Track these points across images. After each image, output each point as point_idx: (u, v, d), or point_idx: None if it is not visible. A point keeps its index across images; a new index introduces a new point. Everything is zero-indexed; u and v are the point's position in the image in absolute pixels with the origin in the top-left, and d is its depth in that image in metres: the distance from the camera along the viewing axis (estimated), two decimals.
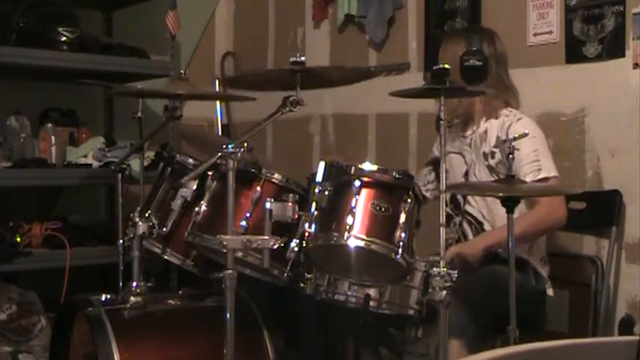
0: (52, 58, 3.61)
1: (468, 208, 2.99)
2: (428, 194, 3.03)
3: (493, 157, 2.92)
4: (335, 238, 2.41)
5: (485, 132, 2.96)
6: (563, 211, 2.83)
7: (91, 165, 3.71)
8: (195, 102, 4.19)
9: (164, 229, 2.77)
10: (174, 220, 2.77)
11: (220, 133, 4.65)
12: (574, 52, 3.22)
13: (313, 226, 2.43)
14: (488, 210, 2.94)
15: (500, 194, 2.46)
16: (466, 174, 3.01)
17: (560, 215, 2.83)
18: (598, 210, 3.09)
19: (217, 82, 4.65)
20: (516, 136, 2.50)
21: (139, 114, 3.12)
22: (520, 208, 2.79)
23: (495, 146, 2.91)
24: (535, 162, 2.82)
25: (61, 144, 3.68)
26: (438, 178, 3.09)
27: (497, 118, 2.95)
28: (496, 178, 2.86)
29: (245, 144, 2.35)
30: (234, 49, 4.90)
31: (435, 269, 2.30)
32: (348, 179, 2.45)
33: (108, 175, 3.32)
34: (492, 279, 2.72)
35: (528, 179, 2.77)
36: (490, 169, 2.92)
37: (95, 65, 3.74)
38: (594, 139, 3.17)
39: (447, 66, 2.41)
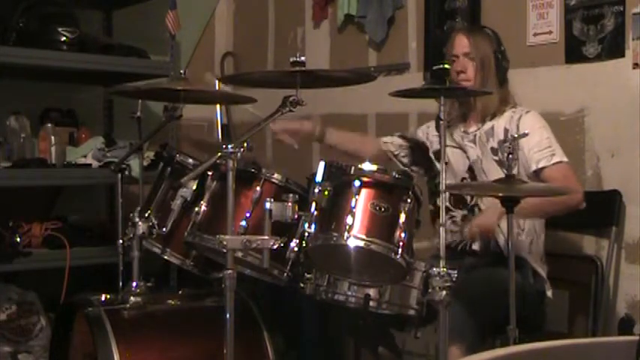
0: (52, 58, 3.61)
1: (479, 203, 2.99)
2: (405, 160, 3.18)
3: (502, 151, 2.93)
4: (335, 238, 2.41)
5: (492, 128, 2.97)
6: (580, 193, 2.84)
7: (90, 165, 3.71)
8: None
9: (164, 229, 2.77)
10: (174, 220, 2.77)
11: (220, 133, 4.64)
12: (574, 52, 3.22)
13: (313, 226, 2.43)
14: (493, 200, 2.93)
15: (501, 194, 2.47)
16: (470, 169, 3.01)
17: (577, 196, 2.83)
18: (598, 210, 3.09)
19: (217, 82, 4.65)
20: (516, 136, 2.50)
21: (139, 114, 3.12)
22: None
23: (504, 140, 2.92)
24: (548, 148, 2.87)
25: (60, 144, 3.68)
26: (410, 148, 3.24)
27: (502, 114, 2.96)
28: (505, 171, 2.86)
29: (245, 144, 2.35)
30: (234, 49, 4.90)
31: (434, 269, 2.30)
32: (347, 179, 2.45)
33: (108, 175, 3.32)
34: (492, 280, 2.72)
35: (541, 165, 2.83)
36: (499, 163, 2.92)
37: (95, 65, 3.74)
38: (594, 139, 3.17)
39: (446, 66, 2.43)
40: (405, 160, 3.27)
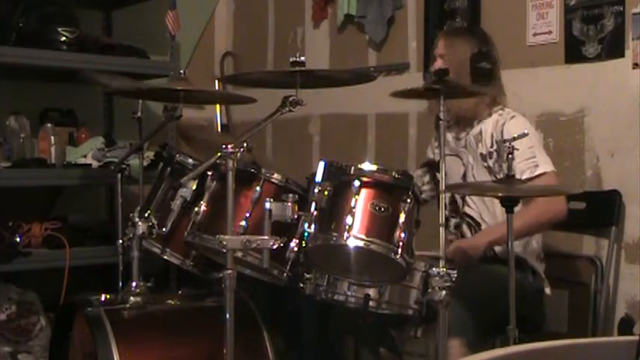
0: (52, 58, 3.61)
1: (466, 209, 2.99)
2: (423, 195, 3.01)
3: (491, 158, 2.92)
4: (334, 238, 2.41)
5: (480, 133, 2.96)
6: (562, 204, 2.82)
7: (90, 165, 3.71)
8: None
9: (164, 229, 2.77)
10: (173, 220, 2.77)
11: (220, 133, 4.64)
12: (573, 52, 3.22)
13: (313, 226, 2.43)
14: (487, 211, 2.93)
15: (500, 194, 2.47)
16: (464, 176, 3.00)
17: (559, 208, 2.82)
18: (598, 210, 3.09)
19: (217, 82, 4.65)
20: (515, 136, 2.50)
21: (139, 114, 3.12)
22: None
23: (491, 146, 2.91)
24: (531, 159, 2.82)
25: (60, 144, 3.68)
26: (433, 179, 3.09)
27: (489, 116, 2.95)
28: (494, 178, 2.86)
29: (245, 144, 2.35)
30: (233, 49, 4.90)
31: (434, 269, 2.30)
32: (347, 179, 2.45)
33: (107, 175, 3.32)
34: (491, 279, 2.72)
35: (525, 176, 2.77)
36: (488, 170, 2.92)
37: (95, 65, 3.73)
38: (594, 139, 3.17)
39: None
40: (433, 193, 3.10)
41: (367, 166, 2.47)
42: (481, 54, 2.94)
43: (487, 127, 2.94)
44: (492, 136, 2.90)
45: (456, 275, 2.30)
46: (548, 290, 2.96)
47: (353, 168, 2.46)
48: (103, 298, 2.75)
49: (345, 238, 2.38)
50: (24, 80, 4.00)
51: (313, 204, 2.45)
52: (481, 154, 2.95)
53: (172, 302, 2.95)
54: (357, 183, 2.43)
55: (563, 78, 3.27)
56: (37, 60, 3.58)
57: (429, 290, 2.32)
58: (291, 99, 2.39)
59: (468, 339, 2.57)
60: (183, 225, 2.71)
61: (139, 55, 3.92)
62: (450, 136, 3.04)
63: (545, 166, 2.83)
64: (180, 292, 3.03)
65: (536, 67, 3.34)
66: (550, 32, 3.30)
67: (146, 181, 3.06)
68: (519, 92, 3.12)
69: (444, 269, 2.29)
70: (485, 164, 2.93)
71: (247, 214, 2.52)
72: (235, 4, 4.92)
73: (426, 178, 3.13)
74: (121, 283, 3.03)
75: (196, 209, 2.62)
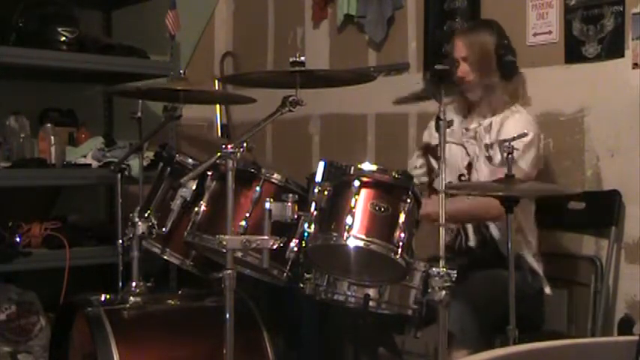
0: (52, 58, 3.61)
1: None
2: (414, 180, 3.02)
3: (492, 148, 2.93)
4: (334, 238, 2.41)
5: (490, 125, 2.98)
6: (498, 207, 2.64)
7: (90, 165, 3.71)
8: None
9: (163, 229, 2.77)
10: (173, 220, 2.77)
11: (219, 133, 4.65)
12: (573, 52, 3.22)
13: (313, 226, 2.43)
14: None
15: (500, 193, 2.47)
16: (469, 166, 3.01)
17: (495, 205, 2.63)
18: (597, 210, 3.09)
19: (217, 82, 4.65)
20: (515, 136, 2.50)
21: (139, 114, 3.12)
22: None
23: (504, 140, 2.91)
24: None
25: (60, 144, 3.68)
26: (427, 164, 3.09)
27: (502, 111, 2.96)
28: (492, 167, 2.87)
29: (245, 144, 2.35)
30: (233, 49, 4.90)
31: (434, 269, 2.31)
32: (347, 179, 2.45)
33: (107, 175, 3.32)
34: (491, 280, 2.73)
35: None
36: (489, 159, 2.93)
37: (95, 65, 3.74)
38: (594, 139, 3.17)
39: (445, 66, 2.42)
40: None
41: (367, 166, 2.47)
42: (505, 46, 2.97)
43: (496, 119, 2.96)
44: (490, 124, 2.92)
45: (456, 275, 2.30)
46: (548, 290, 2.97)
47: (353, 168, 2.46)
48: (102, 298, 2.76)
49: (345, 238, 2.38)
50: (24, 80, 4.00)
51: (313, 204, 2.45)
52: (486, 144, 2.96)
53: (172, 302, 2.95)
54: (357, 183, 2.43)
55: (563, 78, 3.27)
56: (37, 60, 3.58)
57: (429, 290, 2.32)
58: (291, 99, 2.40)
59: (471, 341, 2.57)
60: (183, 225, 2.71)
61: (139, 55, 3.93)
62: (456, 126, 3.04)
63: (524, 165, 2.82)
64: (180, 292, 3.03)
65: (536, 67, 3.33)
66: (550, 32, 3.30)
67: (146, 181, 3.07)
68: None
69: (444, 269, 2.29)
70: (487, 154, 2.94)
71: (247, 214, 2.52)
72: (235, 4, 4.92)
73: (419, 162, 3.11)
74: (121, 283, 3.04)
75: (196, 209, 2.63)
